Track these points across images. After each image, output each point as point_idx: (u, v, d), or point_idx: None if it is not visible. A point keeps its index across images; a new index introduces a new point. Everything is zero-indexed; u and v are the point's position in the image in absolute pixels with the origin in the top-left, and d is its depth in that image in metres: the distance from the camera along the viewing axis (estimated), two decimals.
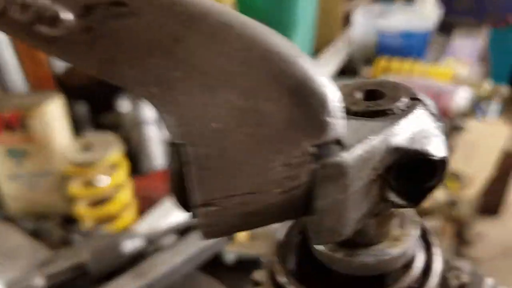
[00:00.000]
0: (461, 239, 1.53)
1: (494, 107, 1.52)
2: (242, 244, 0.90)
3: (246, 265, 0.88)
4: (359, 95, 0.21)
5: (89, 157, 0.82)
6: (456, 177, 1.06)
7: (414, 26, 1.49)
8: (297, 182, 0.18)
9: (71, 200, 0.92)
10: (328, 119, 0.17)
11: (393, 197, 0.19)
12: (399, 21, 1.52)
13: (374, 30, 1.54)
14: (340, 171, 0.17)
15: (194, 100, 0.16)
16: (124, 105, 1.15)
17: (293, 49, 0.16)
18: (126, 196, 0.86)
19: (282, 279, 0.24)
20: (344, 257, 0.23)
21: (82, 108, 1.18)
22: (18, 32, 0.15)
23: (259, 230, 0.81)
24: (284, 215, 0.19)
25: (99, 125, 1.23)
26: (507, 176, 2.13)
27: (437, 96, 1.31)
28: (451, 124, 1.28)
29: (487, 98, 1.44)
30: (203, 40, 0.15)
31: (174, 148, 0.18)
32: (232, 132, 0.17)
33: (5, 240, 0.68)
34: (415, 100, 0.20)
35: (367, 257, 0.22)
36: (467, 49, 1.72)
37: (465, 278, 0.33)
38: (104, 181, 0.84)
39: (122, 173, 0.85)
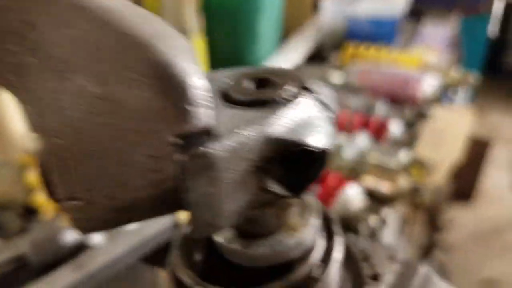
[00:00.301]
0: (433, 226, 1.57)
1: (461, 94, 1.55)
2: None
3: None
4: (247, 83, 0.20)
5: None
6: (421, 164, 1.08)
7: (384, 13, 1.49)
8: (163, 175, 0.17)
9: (30, 190, 0.90)
10: (189, 107, 0.16)
11: (273, 187, 0.19)
12: (369, 7, 1.52)
13: (343, 16, 1.54)
14: (208, 162, 0.16)
15: (48, 87, 0.16)
16: None
17: (155, 28, 0.16)
18: None
19: (181, 274, 0.23)
20: (239, 249, 0.22)
21: None
22: None
23: None
24: (158, 209, 0.19)
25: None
26: (479, 163, 2.19)
27: (405, 83, 1.32)
28: (418, 111, 1.29)
29: (455, 85, 1.46)
30: (55, 24, 0.15)
31: (37, 139, 0.17)
32: (88, 121, 0.16)
33: None
34: (303, 89, 0.20)
35: (262, 248, 0.22)
36: (437, 36, 1.74)
37: (379, 268, 0.34)
38: None
39: None
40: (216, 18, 1.23)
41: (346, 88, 1.36)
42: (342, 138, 1.12)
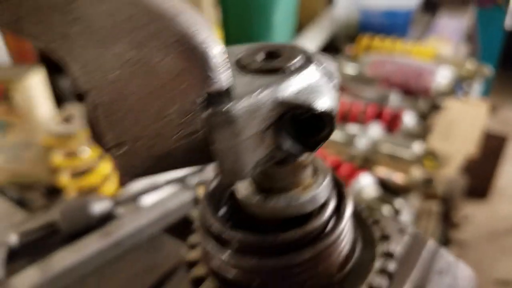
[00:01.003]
0: (448, 222, 1.56)
1: (476, 87, 1.54)
2: None
3: None
4: (260, 55, 0.23)
5: (70, 128, 0.84)
6: (434, 155, 1.08)
7: (398, 5, 1.50)
8: (192, 129, 0.20)
9: (54, 171, 0.94)
10: (211, 72, 0.19)
11: (287, 145, 0.22)
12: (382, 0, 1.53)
13: (357, 8, 1.54)
14: (229, 119, 0.19)
15: (91, 53, 0.19)
16: None
17: (180, 6, 0.18)
18: (107, 167, 0.89)
19: (212, 223, 0.26)
20: (258, 202, 0.25)
21: (64, 82, 1.19)
22: None
23: None
24: (191, 159, 0.21)
25: (80, 99, 1.25)
26: (494, 159, 2.16)
27: (418, 74, 1.32)
28: (432, 103, 1.29)
29: (470, 78, 1.45)
30: (93, 0, 0.18)
31: (83, 97, 0.20)
32: (127, 82, 0.19)
33: None
34: (308, 60, 0.22)
35: (279, 202, 0.25)
36: (452, 28, 1.73)
37: (389, 231, 0.36)
38: (85, 152, 0.86)
39: None
40: (232, 10, 1.25)
41: (359, 79, 1.37)
42: (355, 128, 1.13)
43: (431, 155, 1.07)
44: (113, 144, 0.20)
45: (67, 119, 0.89)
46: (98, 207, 0.51)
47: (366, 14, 1.53)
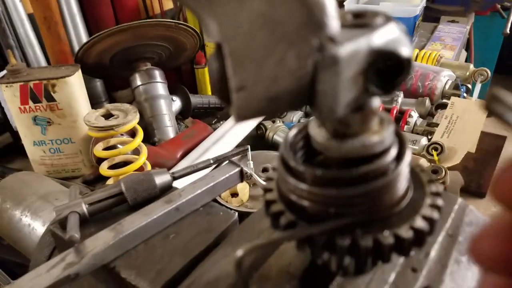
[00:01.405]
0: None
1: (476, 91, 1.60)
2: (243, 203, 1.00)
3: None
4: (348, 15, 0.27)
5: (110, 122, 0.91)
6: (439, 145, 1.12)
7: (401, 12, 1.58)
8: (305, 70, 0.24)
9: (92, 165, 1.01)
10: (325, 20, 0.23)
11: (373, 88, 0.25)
12: (386, 7, 1.61)
13: None
14: (335, 61, 0.23)
15: (230, 9, 0.23)
16: (136, 81, 1.23)
17: None
18: (142, 159, 0.96)
19: (291, 161, 0.30)
20: (335, 145, 0.29)
21: (98, 85, 1.27)
22: None
23: (258, 192, 0.93)
24: (298, 101, 0.26)
25: (113, 101, 1.32)
26: (494, 159, 2.21)
27: (423, 76, 1.41)
28: (436, 105, 1.36)
29: (469, 82, 1.52)
30: None
31: (216, 51, 0.24)
32: (256, 33, 0.23)
33: (40, 186, 0.76)
34: (388, 19, 0.26)
35: (354, 144, 0.28)
36: (453, 35, 1.81)
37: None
38: (124, 145, 0.93)
39: (139, 139, 0.95)
40: None
41: None
42: None
43: (437, 145, 1.12)
44: (236, 88, 0.24)
45: (105, 115, 0.96)
46: (159, 179, 0.58)
47: None
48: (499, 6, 2.12)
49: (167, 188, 0.59)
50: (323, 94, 0.24)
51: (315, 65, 0.24)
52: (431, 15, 1.95)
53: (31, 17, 1.17)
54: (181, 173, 0.62)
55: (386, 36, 0.25)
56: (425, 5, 1.77)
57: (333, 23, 0.24)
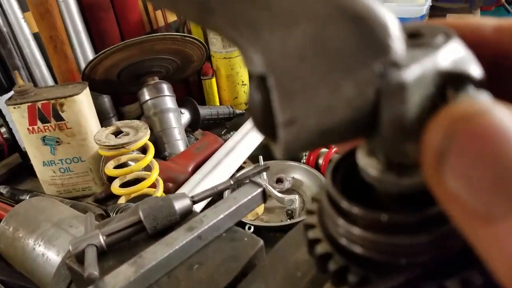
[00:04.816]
0: None
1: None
2: (258, 216, 0.98)
3: (262, 234, 0.96)
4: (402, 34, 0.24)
5: (121, 140, 0.89)
6: None
7: (408, 12, 1.55)
8: (365, 99, 0.21)
9: (103, 183, 0.99)
10: (390, 42, 0.20)
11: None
12: (392, 8, 1.59)
13: None
14: (401, 87, 0.20)
15: (277, 36, 0.20)
16: (144, 95, 1.22)
17: None
18: (154, 176, 0.94)
19: (341, 201, 0.25)
20: (394, 178, 0.24)
21: (106, 101, 1.25)
22: None
23: (274, 204, 0.89)
24: (353, 131, 0.23)
25: (122, 116, 1.30)
26: None
27: None
28: None
29: None
30: None
31: (259, 81, 0.22)
32: (308, 58, 0.20)
33: (54, 213, 0.73)
34: (448, 34, 0.23)
35: (415, 176, 0.24)
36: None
37: None
38: (135, 163, 0.91)
39: (150, 155, 0.93)
40: None
41: None
42: None
43: None
44: (285, 122, 0.22)
45: (115, 133, 0.94)
46: (179, 204, 0.55)
47: None
48: (503, 0, 2.09)
49: (188, 213, 0.56)
50: (386, 125, 0.22)
51: (377, 93, 0.21)
52: (436, 14, 1.92)
53: (36, 36, 1.16)
54: (201, 196, 0.59)
55: (452, 56, 0.22)
56: (430, 4, 1.74)
57: (397, 45, 0.21)
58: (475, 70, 0.22)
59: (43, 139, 0.99)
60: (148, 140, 0.93)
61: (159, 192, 0.94)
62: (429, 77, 0.22)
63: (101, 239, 0.52)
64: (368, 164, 0.26)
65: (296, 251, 0.44)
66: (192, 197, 0.59)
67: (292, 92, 0.22)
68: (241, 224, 0.95)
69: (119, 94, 1.32)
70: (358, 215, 0.25)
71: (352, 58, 0.21)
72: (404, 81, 0.21)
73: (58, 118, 0.97)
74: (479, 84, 0.22)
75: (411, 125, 0.22)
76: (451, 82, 0.22)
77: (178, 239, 0.51)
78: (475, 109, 0.17)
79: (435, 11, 1.95)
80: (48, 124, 0.97)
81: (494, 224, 0.14)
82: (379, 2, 0.22)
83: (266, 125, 0.23)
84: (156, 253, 0.49)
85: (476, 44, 0.24)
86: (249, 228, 0.95)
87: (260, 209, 0.99)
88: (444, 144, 0.17)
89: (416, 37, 0.24)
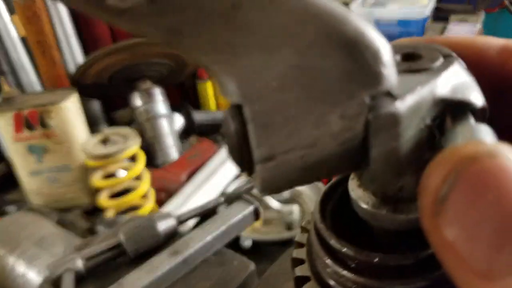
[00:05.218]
0: None
1: None
2: (256, 229, 0.94)
3: (261, 248, 0.93)
4: (397, 57, 0.21)
5: (109, 149, 0.85)
6: None
7: (411, 14, 1.52)
8: (353, 133, 0.19)
9: (92, 193, 0.95)
10: (382, 70, 0.18)
11: (440, 145, 0.20)
12: (396, 9, 1.56)
13: (371, 18, 1.57)
14: (393, 120, 0.18)
15: (254, 62, 0.18)
16: (136, 101, 1.18)
17: (343, 8, 0.17)
18: (145, 186, 0.90)
19: (330, 239, 0.23)
20: (388, 214, 0.22)
21: (96, 106, 1.21)
22: (90, 6, 0.15)
23: (272, 215, 0.85)
24: (340, 167, 0.20)
25: (112, 122, 1.27)
26: None
27: None
28: None
29: None
30: (260, 4, 0.16)
31: (234, 110, 0.19)
32: (290, 88, 0.18)
33: (36, 230, 0.70)
34: (449, 57, 0.21)
35: (411, 211, 0.22)
36: (463, 33, 1.75)
37: None
38: (124, 173, 0.87)
39: (140, 165, 0.89)
40: None
41: None
42: None
43: None
44: (262, 158, 0.19)
45: (104, 141, 0.90)
46: (163, 225, 0.52)
47: (380, 23, 1.56)
48: (507, 2, 2.06)
49: (172, 234, 0.53)
50: (378, 160, 0.19)
51: (366, 126, 0.19)
52: (439, 15, 1.89)
53: (24, 40, 1.12)
54: (188, 215, 0.56)
55: (451, 82, 0.20)
56: (434, 5, 1.71)
57: (390, 72, 0.18)
58: (477, 98, 0.20)
59: (30, 148, 0.95)
60: (140, 147, 0.90)
61: (150, 203, 0.91)
62: (426, 107, 0.19)
63: (80, 263, 0.49)
64: (361, 198, 0.24)
65: (286, 280, 0.41)
66: (179, 216, 0.55)
67: (271, 125, 0.19)
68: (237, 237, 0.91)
69: (110, 98, 1.29)
70: (348, 255, 0.23)
71: (338, 88, 0.18)
72: (397, 113, 0.18)
73: (45, 125, 0.94)
74: (480, 113, 0.20)
75: (406, 159, 0.20)
76: (449, 110, 0.19)
77: (162, 264, 0.48)
78: (479, 152, 0.15)
79: (438, 11, 1.91)
80: (34, 132, 0.94)
81: (493, 282, 0.13)
82: (369, 24, 0.18)
83: (243, 158, 0.21)
84: (138, 280, 0.46)
85: (479, 68, 0.22)
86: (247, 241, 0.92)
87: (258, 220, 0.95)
88: (444, 189, 0.15)
89: (413, 59, 0.21)
